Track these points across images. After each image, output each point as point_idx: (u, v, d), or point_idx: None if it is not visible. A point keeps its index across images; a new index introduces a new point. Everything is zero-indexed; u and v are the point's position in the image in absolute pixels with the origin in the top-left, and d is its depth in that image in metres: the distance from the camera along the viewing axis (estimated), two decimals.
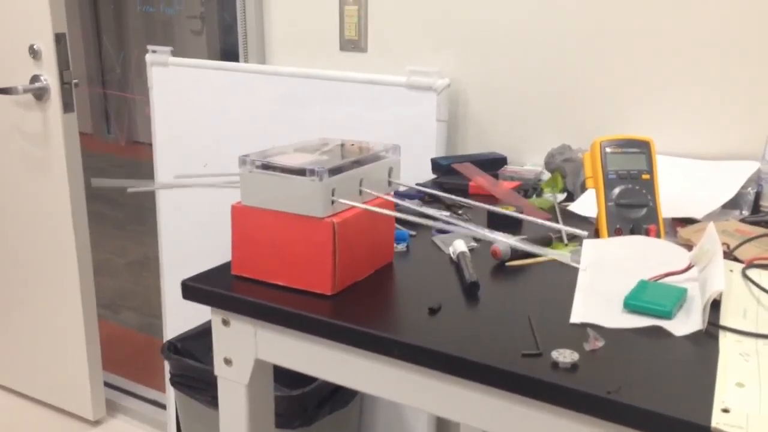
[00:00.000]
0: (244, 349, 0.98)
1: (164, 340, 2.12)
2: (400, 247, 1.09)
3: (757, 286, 0.92)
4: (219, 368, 1.02)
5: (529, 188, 1.37)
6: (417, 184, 1.39)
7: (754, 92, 1.38)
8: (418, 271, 1.01)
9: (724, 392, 0.69)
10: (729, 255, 1.01)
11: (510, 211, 1.19)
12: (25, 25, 2.09)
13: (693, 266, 0.94)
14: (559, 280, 0.97)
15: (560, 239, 1.11)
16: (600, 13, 1.48)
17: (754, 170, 1.28)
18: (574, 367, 0.75)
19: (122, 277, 2.80)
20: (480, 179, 1.34)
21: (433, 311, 0.88)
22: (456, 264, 1.03)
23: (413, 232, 1.15)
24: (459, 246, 1.03)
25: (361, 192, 0.96)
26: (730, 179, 1.26)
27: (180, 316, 2.17)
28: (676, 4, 1.41)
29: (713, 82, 1.41)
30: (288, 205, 0.91)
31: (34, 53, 2.10)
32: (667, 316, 0.84)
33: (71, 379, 2.39)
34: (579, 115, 1.55)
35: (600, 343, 0.79)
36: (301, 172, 0.89)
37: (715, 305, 0.86)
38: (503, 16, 1.58)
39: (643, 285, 0.90)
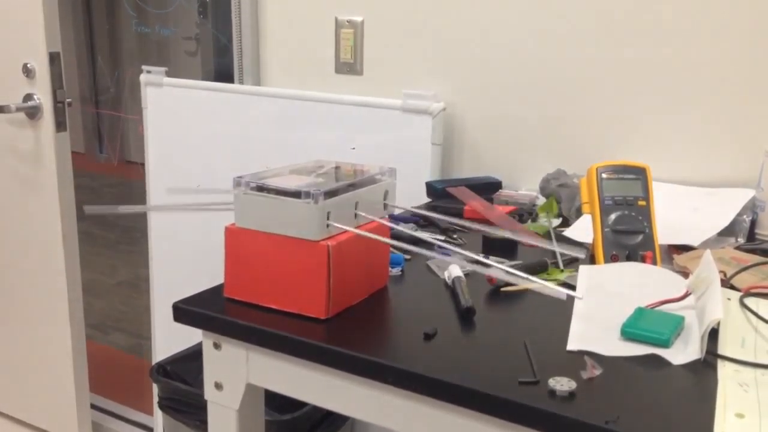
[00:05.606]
0: (235, 373, 0.96)
1: (153, 362, 2.09)
2: (395, 271, 1.08)
3: (755, 315, 0.91)
4: (209, 392, 1.00)
5: (524, 213, 1.36)
6: (412, 208, 1.38)
7: (750, 119, 1.38)
8: (413, 295, 1.00)
9: (723, 423, 0.68)
10: (726, 283, 1.01)
11: (506, 233, 1.19)
12: (19, 44, 2.09)
13: (690, 294, 0.93)
14: (555, 306, 0.96)
15: (556, 264, 1.11)
16: (596, 40, 1.49)
17: (749, 197, 1.28)
18: (571, 395, 0.73)
19: (112, 298, 2.77)
20: (475, 203, 1.34)
21: (428, 337, 0.87)
22: (451, 289, 1.02)
23: (408, 256, 1.14)
24: (454, 271, 1.02)
25: (356, 215, 0.95)
26: (725, 206, 1.26)
27: (170, 338, 2.15)
28: (670, 33, 1.41)
29: (709, 110, 1.41)
30: (282, 227, 0.90)
31: (27, 72, 2.09)
32: (665, 344, 0.83)
33: (57, 401, 2.36)
34: (574, 141, 1.55)
35: (597, 371, 0.78)
36: (296, 194, 0.88)
37: (713, 334, 0.85)
38: (499, 40, 1.59)
39: (640, 312, 0.89)
